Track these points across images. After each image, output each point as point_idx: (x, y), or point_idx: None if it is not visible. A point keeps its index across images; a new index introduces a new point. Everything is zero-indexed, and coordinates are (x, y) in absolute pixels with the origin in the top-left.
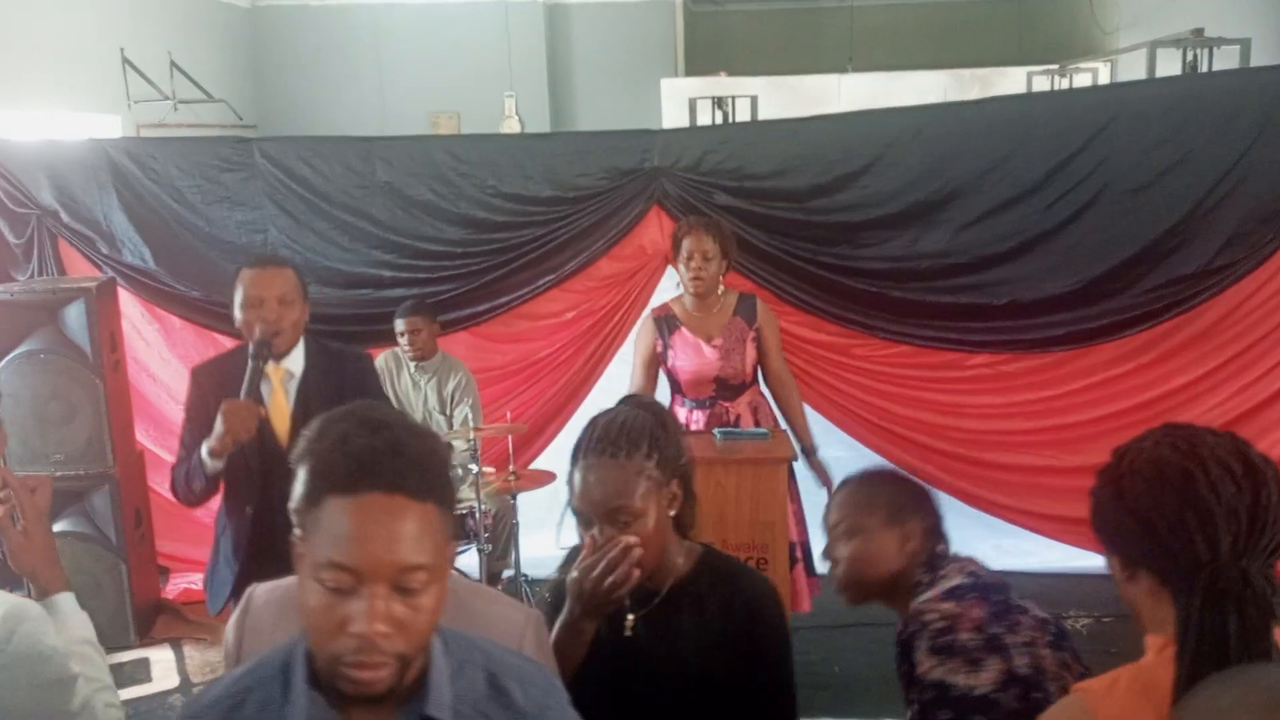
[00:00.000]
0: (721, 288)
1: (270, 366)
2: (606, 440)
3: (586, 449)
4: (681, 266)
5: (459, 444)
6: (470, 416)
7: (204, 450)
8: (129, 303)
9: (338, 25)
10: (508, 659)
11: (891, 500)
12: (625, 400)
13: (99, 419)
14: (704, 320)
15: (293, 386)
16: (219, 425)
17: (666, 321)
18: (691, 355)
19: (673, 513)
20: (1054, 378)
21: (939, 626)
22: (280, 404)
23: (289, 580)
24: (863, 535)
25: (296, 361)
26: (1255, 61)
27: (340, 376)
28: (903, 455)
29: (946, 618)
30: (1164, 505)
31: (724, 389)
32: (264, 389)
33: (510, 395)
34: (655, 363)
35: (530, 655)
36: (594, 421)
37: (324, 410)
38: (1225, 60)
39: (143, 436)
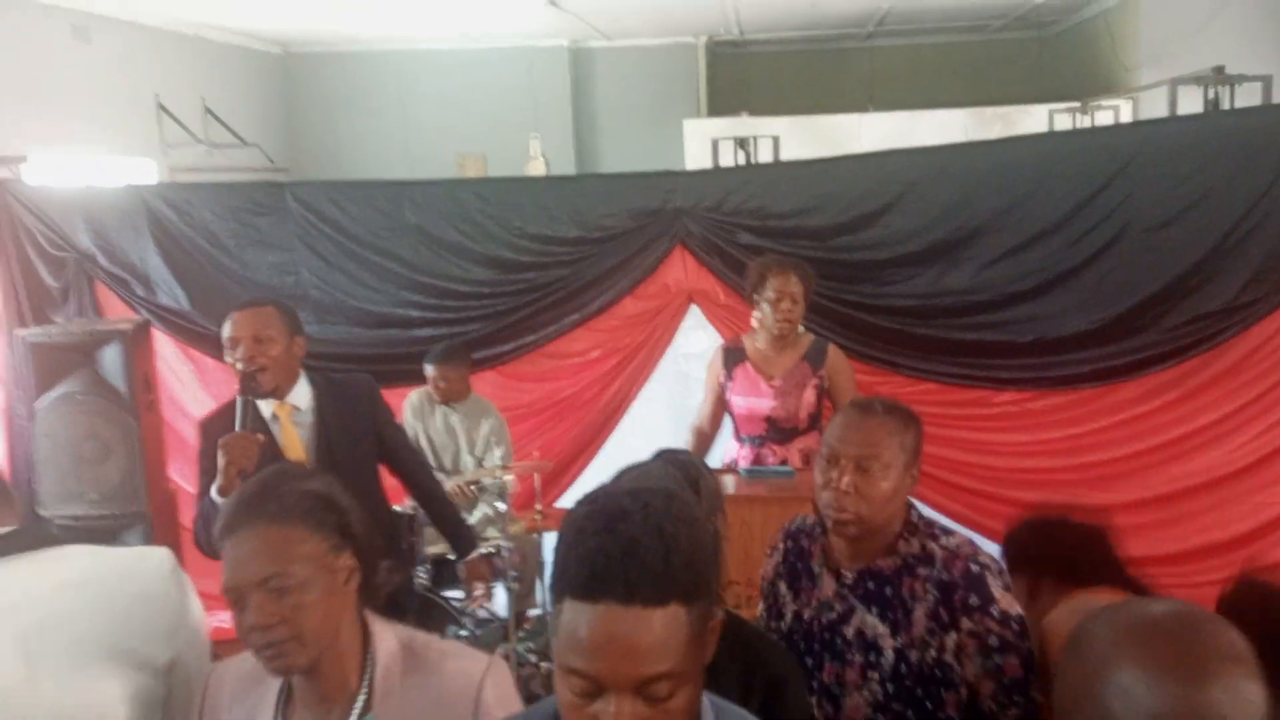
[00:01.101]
0: (798, 332)
1: (275, 405)
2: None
3: None
4: (767, 305)
5: (487, 482)
6: (501, 460)
7: (214, 492)
8: (164, 343)
9: (366, 71)
10: None
11: (914, 443)
12: (660, 454)
13: (133, 459)
14: (771, 359)
15: (302, 420)
16: (221, 459)
17: (733, 354)
18: (748, 391)
19: None
20: (1080, 415)
21: (997, 567)
22: (292, 439)
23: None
24: (886, 473)
25: (302, 396)
26: (1277, 98)
27: (354, 405)
28: (929, 493)
29: (993, 560)
30: None
31: (775, 431)
32: (274, 428)
33: (536, 434)
34: (721, 395)
35: (488, 703)
36: (624, 473)
37: (344, 441)
38: (1247, 97)
39: (177, 475)
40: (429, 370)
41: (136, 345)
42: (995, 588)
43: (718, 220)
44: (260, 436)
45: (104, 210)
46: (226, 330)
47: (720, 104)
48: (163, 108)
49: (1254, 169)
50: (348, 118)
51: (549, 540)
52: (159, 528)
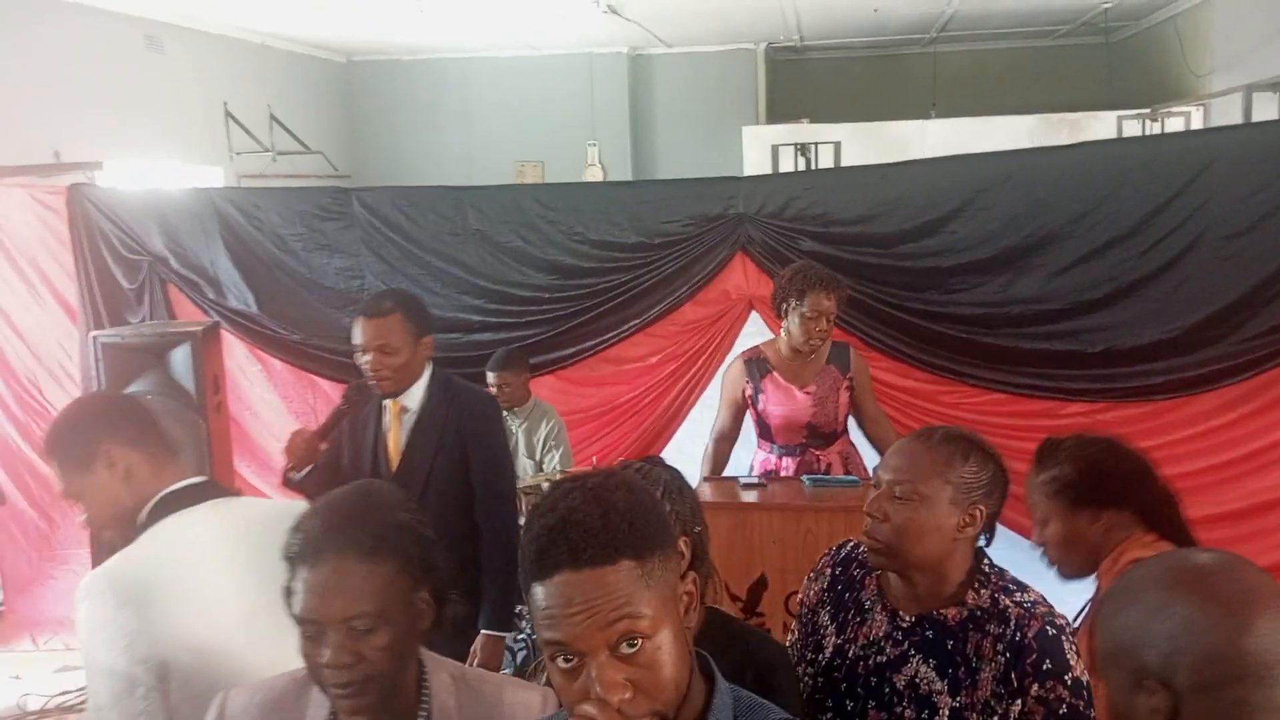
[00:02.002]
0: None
1: (390, 401)
2: None
3: None
4: (796, 318)
5: (545, 486)
6: (560, 462)
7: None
8: (234, 342)
9: (428, 78)
10: None
11: (973, 478)
12: (648, 459)
13: (201, 458)
14: (798, 367)
15: (408, 420)
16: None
17: (758, 365)
18: (784, 401)
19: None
20: (1154, 428)
21: (1070, 629)
22: (394, 435)
23: (268, 680)
24: (922, 504)
25: (414, 398)
26: None
27: (459, 417)
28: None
29: (1068, 622)
30: None
31: (815, 436)
32: (385, 417)
33: (594, 439)
34: (743, 406)
35: None
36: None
37: (433, 446)
38: None
39: (245, 472)
40: (490, 378)
41: (206, 347)
42: (1070, 653)
43: (780, 227)
44: (323, 445)
45: (175, 213)
46: (355, 335)
47: (780, 111)
48: (230, 115)
49: None
50: (408, 125)
51: None
52: None
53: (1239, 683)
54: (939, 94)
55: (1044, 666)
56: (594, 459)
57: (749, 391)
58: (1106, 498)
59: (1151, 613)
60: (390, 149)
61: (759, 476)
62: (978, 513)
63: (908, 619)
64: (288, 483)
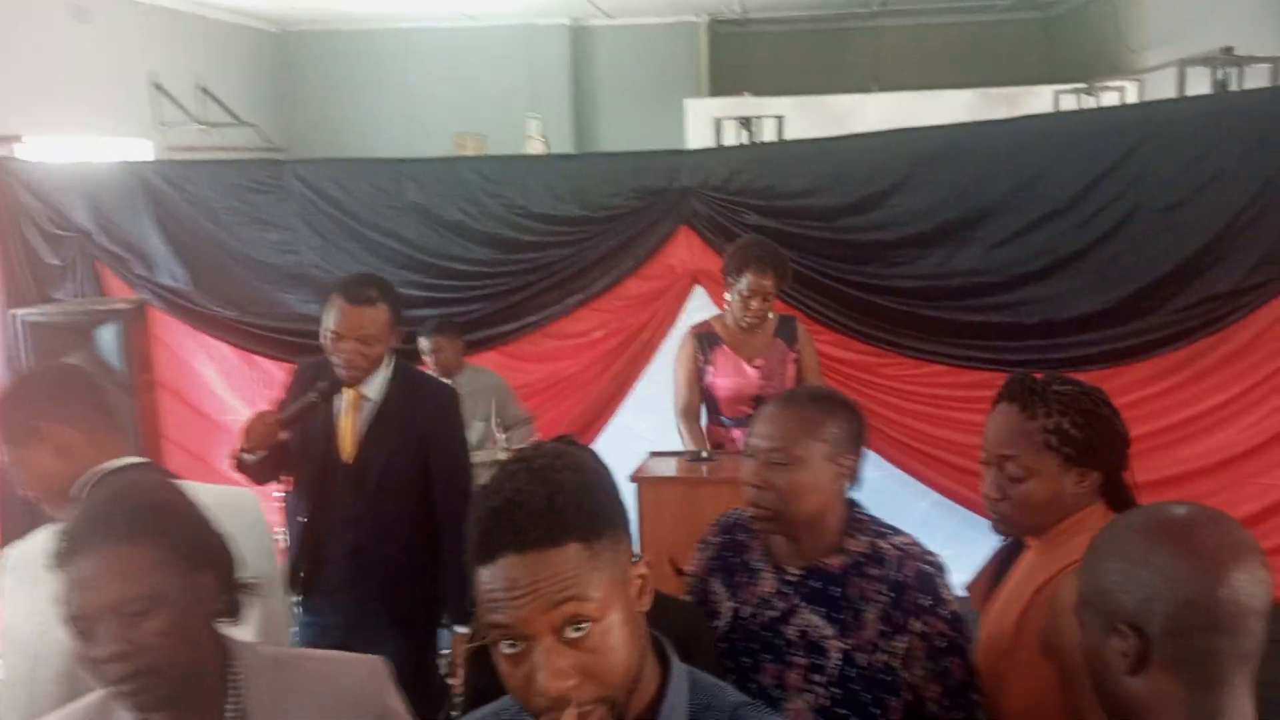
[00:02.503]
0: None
1: (349, 393)
2: None
3: None
4: (735, 295)
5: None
6: (503, 414)
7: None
8: (168, 318)
9: (364, 49)
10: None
11: (840, 432)
12: (560, 439)
13: (129, 438)
14: (746, 340)
15: (367, 410)
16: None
17: (708, 339)
18: (732, 374)
19: None
20: None
21: (944, 566)
22: (350, 425)
23: (68, 708)
24: (799, 467)
25: (375, 387)
26: None
27: (413, 405)
28: (934, 475)
29: (939, 558)
30: None
31: None
32: (337, 402)
33: (537, 413)
34: (700, 378)
35: (393, 707)
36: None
37: (393, 439)
38: (1256, 79)
39: (180, 453)
40: (424, 344)
41: (134, 325)
42: (943, 588)
43: (724, 200)
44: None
45: (101, 187)
46: (333, 320)
47: (723, 84)
48: (158, 87)
49: (1264, 151)
50: (344, 97)
51: None
52: None
53: (1210, 631)
54: (880, 68)
55: (923, 602)
56: (536, 435)
57: (700, 364)
58: (1099, 459)
59: (1132, 561)
60: (326, 122)
61: (709, 449)
62: (849, 463)
63: (794, 573)
64: (239, 465)
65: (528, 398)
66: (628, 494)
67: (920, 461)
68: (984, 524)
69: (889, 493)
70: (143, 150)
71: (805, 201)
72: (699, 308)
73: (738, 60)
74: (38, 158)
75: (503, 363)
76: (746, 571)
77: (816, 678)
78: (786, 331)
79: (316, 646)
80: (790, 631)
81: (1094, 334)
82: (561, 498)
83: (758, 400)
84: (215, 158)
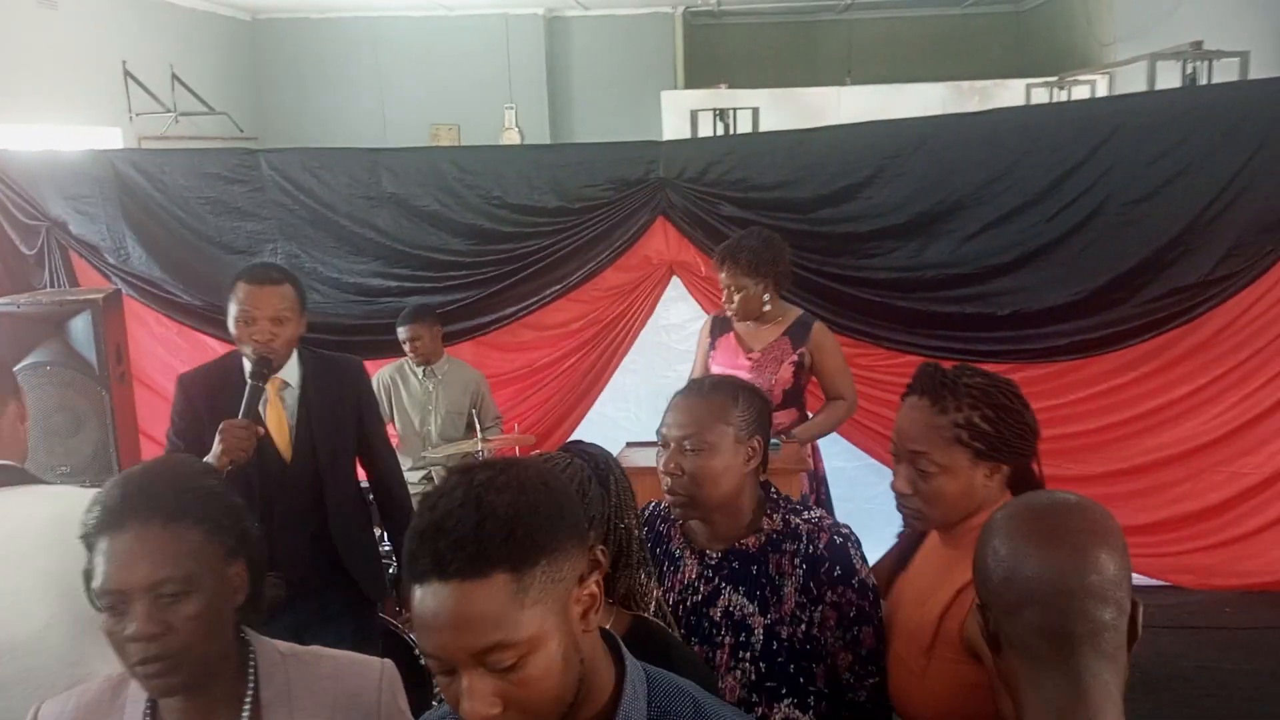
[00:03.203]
0: (782, 305)
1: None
2: None
3: None
4: (724, 296)
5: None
6: (484, 410)
7: None
8: (142, 308)
9: (338, 38)
10: (725, 713)
11: (746, 415)
12: (567, 446)
13: (105, 431)
14: (753, 332)
15: (289, 396)
16: (217, 445)
17: (721, 324)
18: (725, 362)
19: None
20: (1057, 387)
21: (855, 537)
22: (278, 414)
23: (82, 686)
24: (711, 452)
25: (291, 372)
26: (1254, 74)
27: (339, 385)
28: None
29: (851, 530)
30: None
31: None
32: (261, 400)
33: (515, 403)
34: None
35: (389, 705)
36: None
37: (327, 421)
38: (1224, 73)
39: (156, 447)
40: (402, 333)
41: (108, 315)
42: (856, 559)
43: (700, 192)
44: (261, 430)
45: (72, 176)
46: (240, 301)
47: (698, 76)
48: (129, 75)
49: (1232, 145)
50: (318, 86)
51: None
52: None
53: (1030, 607)
54: (854, 61)
55: (835, 573)
56: (515, 426)
57: (707, 349)
58: (1010, 452)
59: (984, 546)
60: (299, 111)
61: None
62: (757, 444)
63: (714, 556)
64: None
65: (505, 385)
66: None
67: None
68: None
69: (864, 482)
70: (113, 139)
71: (780, 193)
72: (676, 297)
73: (713, 52)
74: (8, 147)
75: (480, 352)
76: (670, 560)
77: (743, 654)
78: (797, 332)
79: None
80: (715, 613)
81: (1064, 325)
82: (491, 524)
83: None
84: (187, 146)
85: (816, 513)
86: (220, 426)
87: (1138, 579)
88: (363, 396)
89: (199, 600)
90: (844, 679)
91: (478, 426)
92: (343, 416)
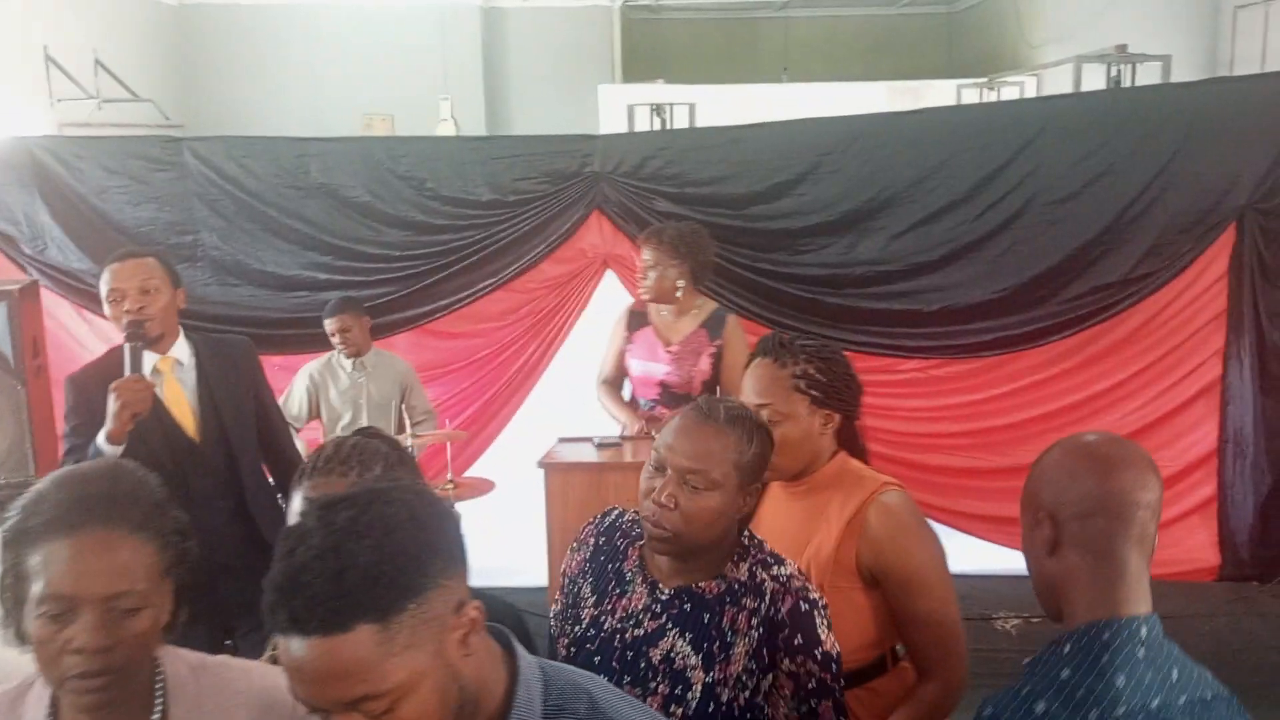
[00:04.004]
0: (698, 299)
1: (158, 359)
2: (336, 460)
3: (313, 470)
4: (638, 274)
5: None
6: (415, 404)
7: (101, 439)
8: (58, 302)
9: (268, 25)
10: (621, 707)
11: (754, 461)
12: (359, 431)
13: (20, 427)
14: (671, 325)
15: (185, 375)
16: (112, 404)
17: (637, 317)
18: (645, 355)
19: None
20: (980, 382)
21: (823, 603)
22: (176, 394)
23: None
24: (713, 492)
25: (182, 350)
26: (1176, 77)
27: (233, 363)
28: None
29: (820, 595)
30: None
31: (668, 395)
32: (157, 381)
33: (452, 393)
34: (623, 354)
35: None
36: (321, 449)
37: (230, 398)
38: (1147, 76)
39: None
40: (330, 325)
41: (24, 306)
42: (821, 628)
43: (635, 186)
44: (152, 382)
45: None
46: (107, 282)
47: (635, 71)
48: (51, 59)
49: (1153, 146)
50: (247, 74)
51: (461, 509)
52: None
53: (1101, 515)
54: (790, 59)
55: (795, 641)
56: (447, 422)
57: (622, 342)
58: (841, 401)
59: (1050, 466)
60: (228, 100)
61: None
62: (754, 491)
63: (667, 591)
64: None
65: (442, 376)
66: (535, 480)
67: None
68: None
69: None
70: (33, 125)
71: (715, 189)
72: (610, 292)
73: (651, 47)
74: None
75: (414, 340)
76: (619, 581)
77: (676, 709)
78: (714, 324)
79: (209, 640)
80: (655, 655)
81: (989, 321)
82: (350, 577)
83: (662, 386)
84: (111, 134)
85: (788, 568)
86: (112, 386)
87: None
88: (257, 374)
89: (149, 616)
90: None
91: (407, 422)
92: (243, 394)
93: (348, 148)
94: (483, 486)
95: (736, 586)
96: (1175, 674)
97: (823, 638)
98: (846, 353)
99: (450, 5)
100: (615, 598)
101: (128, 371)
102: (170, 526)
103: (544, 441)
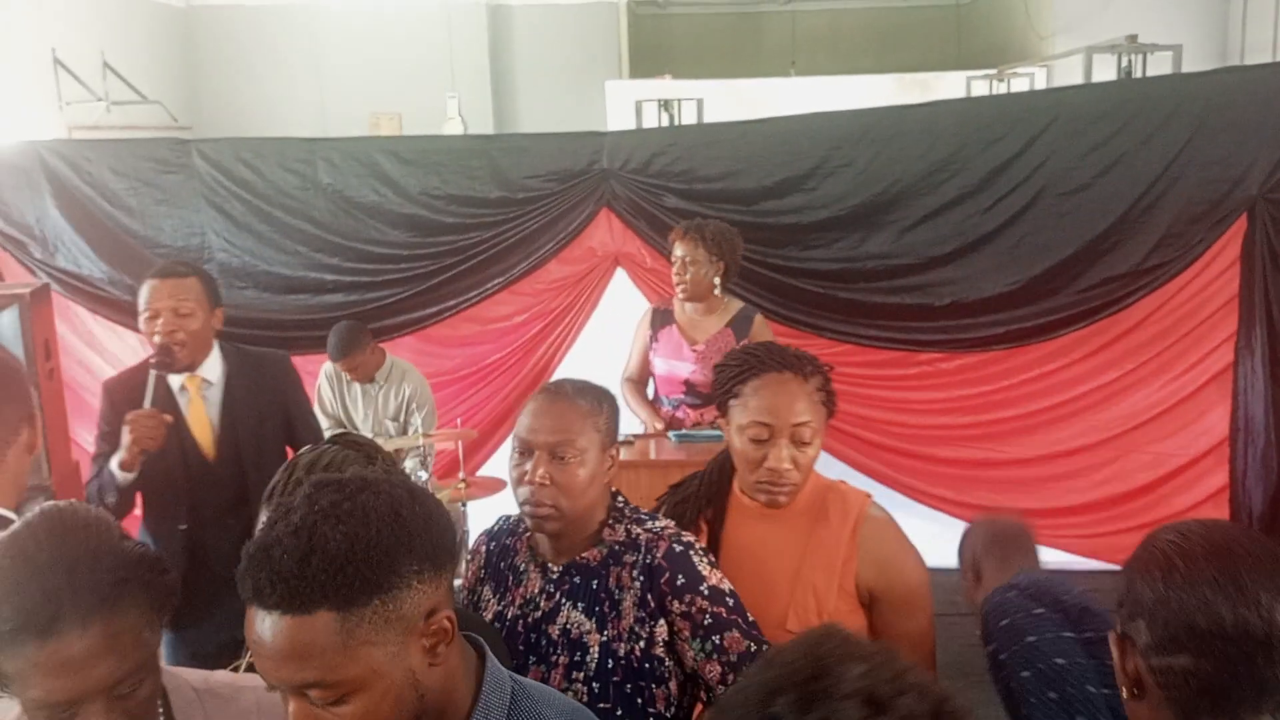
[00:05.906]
0: (725, 298)
1: (185, 377)
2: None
3: (283, 489)
4: (675, 270)
5: (410, 450)
6: (422, 423)
7: (114, 464)
8: (69, 304)
9: (275, 25)
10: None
11: (608, 423)
12: (335, 439)
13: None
14: (697, 323)
15: (211, 394)
16: (125, 436)
17: (662, 316)
18: (670, 354)
19: None
20: (990, 374)
21: (701, 545)
22: (200, 414)
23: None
24: (581, 461)
25: (213, 369)
26: (1187, 67)
27: (265, 381)
28: (849, 451)
29: (696, 539)
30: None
31: (692, 394)
32: (181, 399)
33: (459, 400)
34: (648, 354)
35: None
36: (294, 462)
37: (249, 417)
38: (1158, 66)
39: (87, 443)
40: (337, 368)
41: (35, 310)
42: (701, 565)
43: (644, 183)
44: (169, 417)
45: None
46: (145, 299)
47: (642, 66)
48: (59, 63)
49: (1164, 136)
50: (255, 75)
51: (473, 510)
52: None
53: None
54: (798, 53)
55: (678, 581)
56: (458, 421)
57: (647, 340)
58: (832, 412)
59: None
60: (235, 100)
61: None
62: (616, 451)
63: (556, 570)
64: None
65: (449, 384)
66: None
67: (834, 437)
68: (895, 497)
69: None
70: (44, 129)
71: (724, 185)
72: (620, 290)
73: (658, 43)
74: None
75: (421, 348)
76: (515, 573)
77: (577, 675)
78: (741, 324)
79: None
80: (554, 631)
81: (1000, 314)
82: (318, 560)
83: (687, 385)
84: (119, 136)
85: (661, 522)
86: (127, 418)
87: (1070, 559)
88: (289, 391)
89: (152, 682)
90: (718, 692)
91: (418, 424)
92: (268, 412)
93: (354, 148)
94: (495, 486)
95: (617, 547)
96: None
97: (705, 573)
98: (858, 347)
99: (457, 3)
100: (513, 589)
101: (148, 399)
102: (147, 573)
103: None
